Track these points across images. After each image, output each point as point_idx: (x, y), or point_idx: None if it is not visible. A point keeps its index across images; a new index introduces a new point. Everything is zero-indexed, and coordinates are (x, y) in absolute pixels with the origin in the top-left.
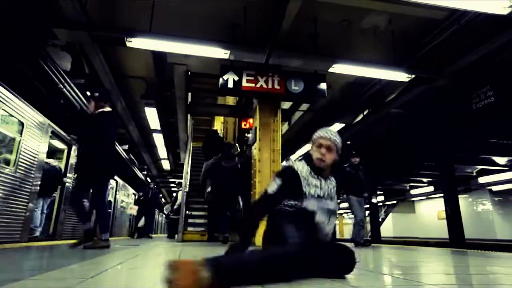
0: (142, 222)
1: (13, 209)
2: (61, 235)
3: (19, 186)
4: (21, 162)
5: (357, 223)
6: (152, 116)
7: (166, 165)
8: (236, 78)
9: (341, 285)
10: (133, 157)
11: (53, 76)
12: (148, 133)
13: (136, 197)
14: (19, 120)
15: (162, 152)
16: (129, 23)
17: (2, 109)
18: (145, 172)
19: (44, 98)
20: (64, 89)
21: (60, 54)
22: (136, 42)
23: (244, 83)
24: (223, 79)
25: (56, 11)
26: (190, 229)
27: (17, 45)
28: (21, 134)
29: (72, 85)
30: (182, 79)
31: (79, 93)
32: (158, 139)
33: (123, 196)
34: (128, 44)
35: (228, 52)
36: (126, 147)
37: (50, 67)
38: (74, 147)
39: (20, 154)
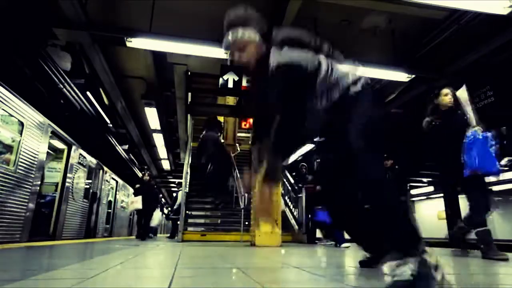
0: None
1: (13, 209)
2: (61, 235)
3: (19, 186)
4: (21, 162)
5: None
6: (152, 116)
7: (166, 165)
8: (236, 78)
9: (341, 285)
10: (133, 157)
11: (53, 76)
12: (148, 133)
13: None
14: (19, 120)
15: (162, 152)
16: (129, 23)
17: (2, 109)
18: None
19: (44, 98)
20: (64, 89)
21: (60, 54)
22: (136, 42)
23: (244, 83)
24: (223, 79)
25: (56, 11)
26: (190, 229)
27: (17, 45)
28: (21, 134)
29: (72, 85)
30: (182, 79)
31: (79, 93)
32: (158, 139)
33: (123, 196)
34: (128, 44)
35: (228, 52)
36: (126, 147)
37: (50, 67)
38: (74, 147)
39: (20, 154)
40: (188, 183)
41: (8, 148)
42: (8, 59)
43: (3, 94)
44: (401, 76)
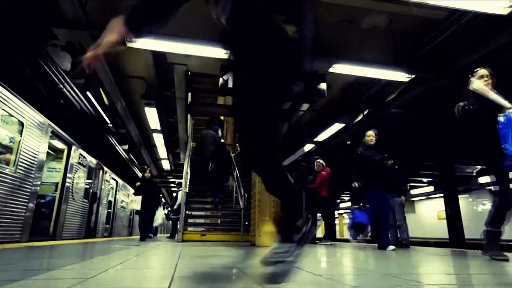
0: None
1: (13, 209)
2: (61, 235)
3: (19, 186)
4: (21, 162)
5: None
6: (152, 116)
7: (166, 165)
8: None
9: (341, 285)
10: (133, 157)
11: (53, 76)
12: (148, 133)
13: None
14: (19, 120)
15: (162, 152)
16: None
17: (2, 109)
18: None
19: (44, 98)
20: (64, 89)
21: (60, 54)
22: (136, 42)
23: None
24: (223, 79)
25: (56, 11)
26: (190, 229)
27: (17, 45)
28: (21, 134)
29: (72, 85)
30: (182, 79)
31: (79, 93)
32: (158, 139)
33: (123, 196)
34: (128, 44)
35: (228, 52)
36: (126, 147)
37: (50, 67)
38: (74, 147)
39: (20, 154)
40: (188, 183)
41: (8, 148)
42: (8, 59)
43: (3, 94)
44: (401, 76)
